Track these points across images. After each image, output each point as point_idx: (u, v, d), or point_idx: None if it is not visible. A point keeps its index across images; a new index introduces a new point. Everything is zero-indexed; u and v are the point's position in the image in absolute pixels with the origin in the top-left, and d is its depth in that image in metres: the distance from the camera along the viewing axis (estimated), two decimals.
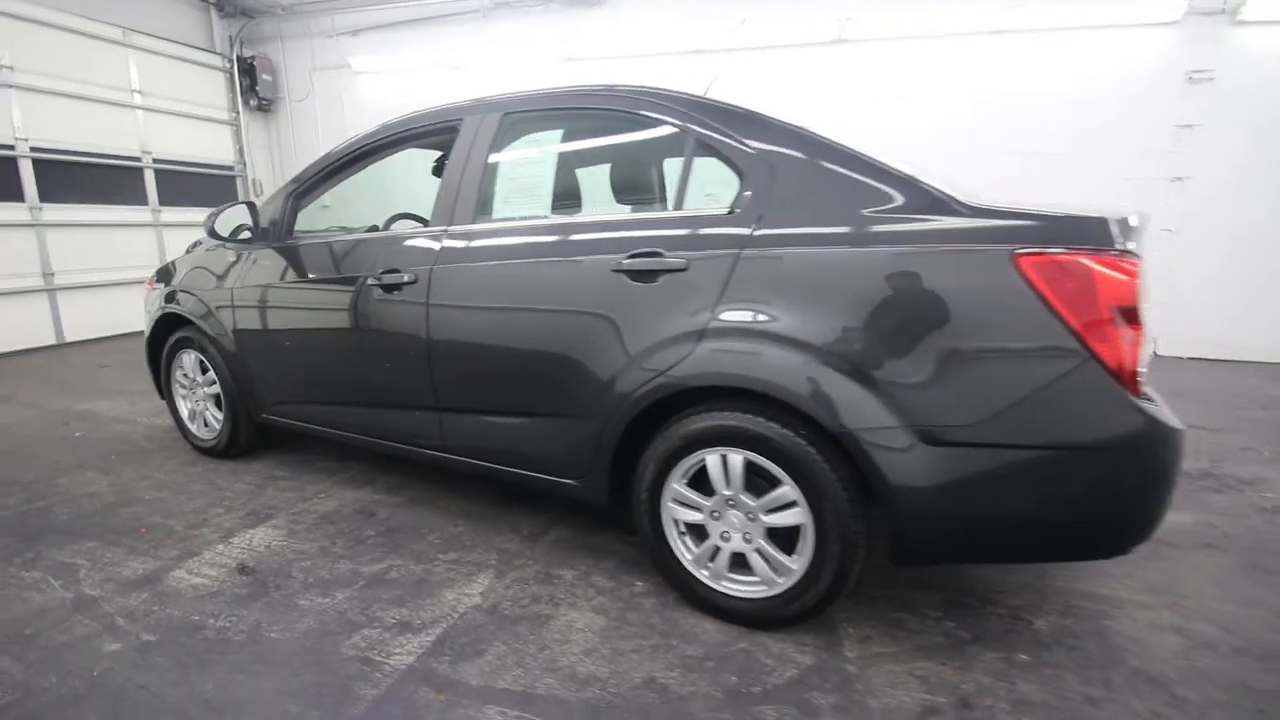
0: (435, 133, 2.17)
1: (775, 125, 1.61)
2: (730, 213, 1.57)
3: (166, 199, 6.20)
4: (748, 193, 1.57)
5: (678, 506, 1.66)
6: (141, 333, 2.97)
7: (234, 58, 6.80)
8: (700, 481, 1.62)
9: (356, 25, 6.61)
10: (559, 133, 1.93)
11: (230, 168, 6.99)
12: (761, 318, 1.48)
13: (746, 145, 1.60)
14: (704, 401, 1.59)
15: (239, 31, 6.81)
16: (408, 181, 2.97)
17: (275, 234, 2.41)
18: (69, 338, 5.44)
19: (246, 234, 2.42)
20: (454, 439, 2.07)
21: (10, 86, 4.90)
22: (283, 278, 2.36)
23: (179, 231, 6.29)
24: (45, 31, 5.13)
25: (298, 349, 2.38)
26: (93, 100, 5.48)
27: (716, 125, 1.64)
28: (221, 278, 2.54)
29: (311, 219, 2.55)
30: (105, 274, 5.65)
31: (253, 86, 6.89)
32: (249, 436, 2.75)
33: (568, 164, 2.19)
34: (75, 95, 5.34)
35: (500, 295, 1.84)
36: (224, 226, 2.38)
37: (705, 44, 5.62)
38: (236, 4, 6.65)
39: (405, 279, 1.99)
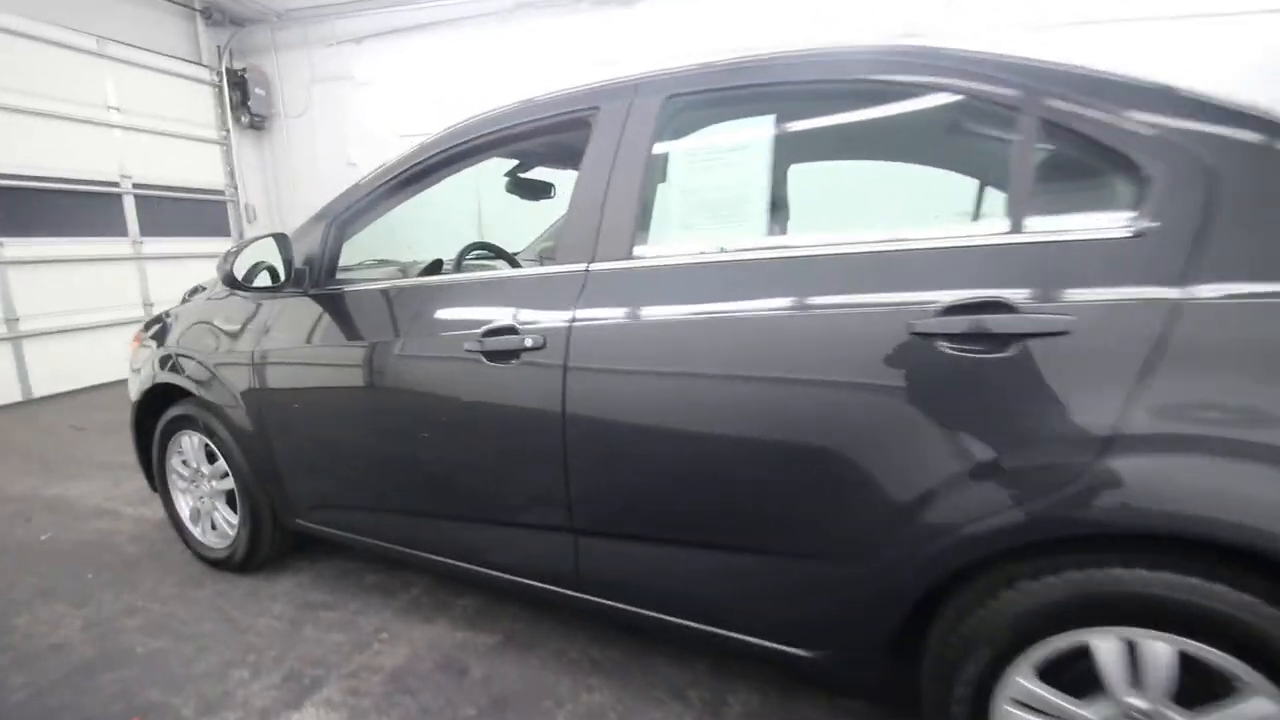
0: (546, 130, 1.53)
1: (1190, 100, 1.00)
2: (1136, 236, 0.95)
3: (149, 228, 5.48)
4: (1164, 204, 0.94)
5: (1026, 716, 1.02)
6: (124, 382, 2.30)
7: (222, 70, 6.14)
8: (1065, 673, 0.99)
9: (360, 32, 5.98)
10: (770, 119, 1.30)
11: (220, 192, 6.30)
12: (1241, 417, 0.85)
13: (1147, 127, 0.98)
14: (1065, 548, 0.96)
15: (228, 41, 6.16)
16: (449, 200, 2.33)
17: (312, 277, 1.75)
18: (37, 393, 4.70)
19: (265, 276, 1.74)
20: (597, 575, 1.41)
21: None
22: (326, 338, 1.70)
23: (164, 265, 5.57)
24: (5, 40, 4.44)
25: (350, 436, 1.71)
26: (63, 118, 4.78)
27: (1085, 99, 1.02)
28: (237, 337, 1.87)
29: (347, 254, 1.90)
30: (79, 316, 4.92)
31: (244, 102, 6.22)
32: (274, 545, 2.06)
33: (790, 165, 1.60)
34: (42, 113, 4.64)
35: (700, 362, 1.20)
36: (245, 268, 1.71)
37: (755, 41, 5.06)
38: (225, 11, 6.01)
39: (526, 343, 1.34)
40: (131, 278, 5.40)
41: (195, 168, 5.99)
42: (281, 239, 1.71)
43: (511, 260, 2.32)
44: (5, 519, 2.66)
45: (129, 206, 5.35)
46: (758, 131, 1.31)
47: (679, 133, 1.39)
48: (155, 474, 2.24)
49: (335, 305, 1.71)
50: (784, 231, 1.47)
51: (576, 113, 1.46)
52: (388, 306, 1.64)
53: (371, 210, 1.76)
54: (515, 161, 2.33)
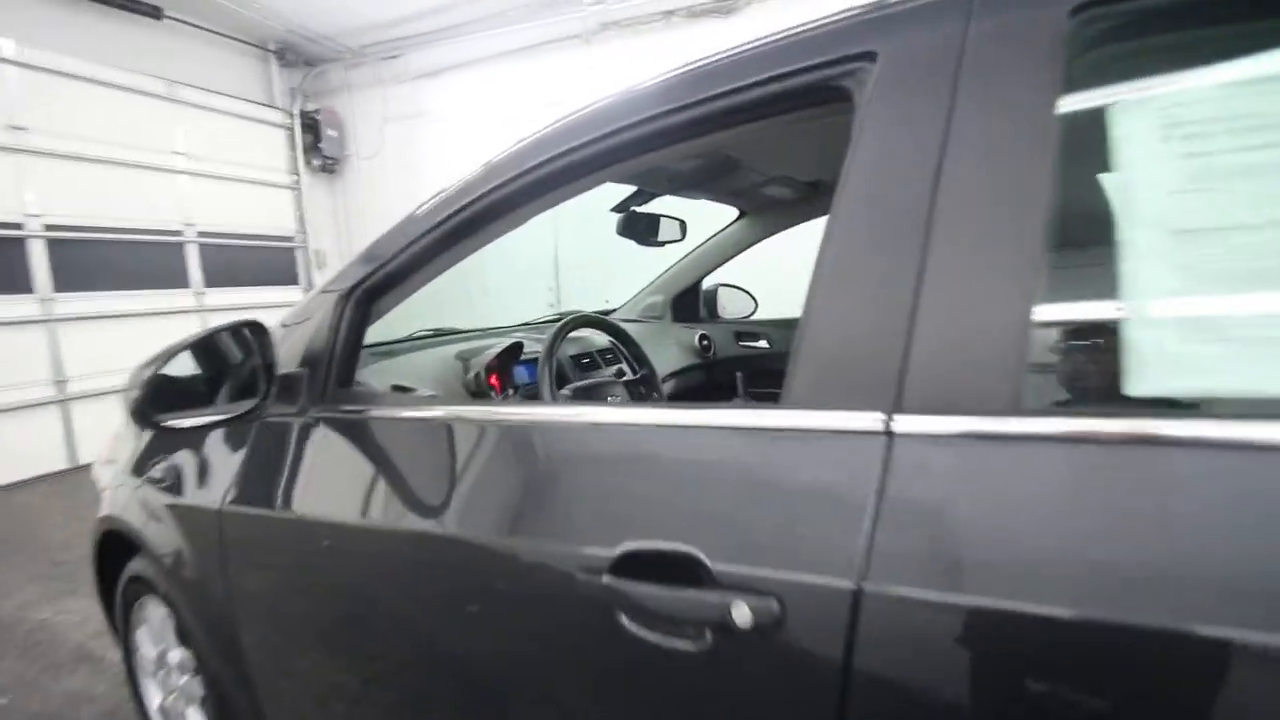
0: (725, 120, 0.75)
1: None
2: None
3: (214, 279, 5.16)
4: None
5: None
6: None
7: (296, 112, 5.87)
8: None
9: (434, 66, 5.59)
10: None
11: (290, 238, 5.99)
12: None
13: None
14: None
15: (301, 83, 5.90)
16: (518, 244, 1.62)
17: (314, 389, 1.03)
18: (84, 459, 4.32)
19: (221, 389, 1.04)
20: None
21: (23, 151, 3.93)
22: (338, 505, 0.96)
23: (228, 317, 5.22)
24: (72, 86, 4.20)
25: (372, 691, 0.96)
26: (126, 165, 4.51)
27: None
28: (202, 480, 1.17)
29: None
30: None
31: (316, 144, 5.93)
32: None
33: None
34: (104, 160, 4.37)
35: None
36: (177, 379, 1.00)
37: None
38: (299, 52, 5.76)
39: (734, 618, 0.54)
40: (193, 331, 5.05)
41: (264, 213, 5.70)
42: (256, 331, 0.99)
43: (630, 351, 1.58)
44: None
45: (192, 255, 5.03)
46: None
47: (1101, 86, 0.58)
48: (120, 644, 1.57)
49: (353, 441, 0.99)
50: None
51: (816, 72, 0.68)
52: (445, 455, 0.88)
53: (414, 271, 1.03)
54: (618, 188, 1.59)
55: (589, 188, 0.88)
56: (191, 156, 4.98)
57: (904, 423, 0.52)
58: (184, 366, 1.00)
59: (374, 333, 1.20)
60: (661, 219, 1.70)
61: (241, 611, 1.12)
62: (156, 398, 0.91)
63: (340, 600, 1.00)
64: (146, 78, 4.66)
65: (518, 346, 1.36)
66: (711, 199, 1.67)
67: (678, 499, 0.63)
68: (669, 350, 2.05)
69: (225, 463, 1.14)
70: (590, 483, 0.71)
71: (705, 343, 2.13)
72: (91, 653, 2.10)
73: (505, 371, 1.36)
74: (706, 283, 2.26)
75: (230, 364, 1.00)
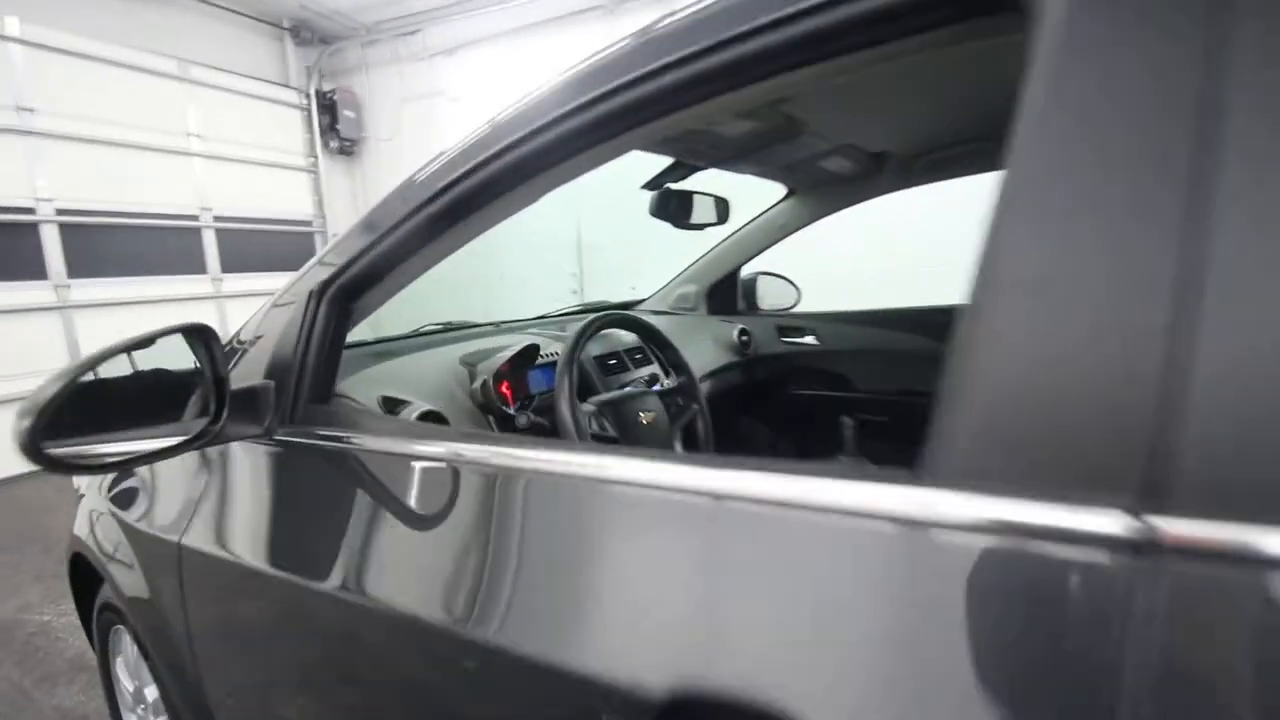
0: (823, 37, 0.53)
1: None
2: None
3: (230, 264, 5.05)
4: None
5: None
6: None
7: (312, 92, 5.71)
8: None
9: (452, 41, 5.37)
10: None
11: (308, 222, 5.86)
12: None
13: None
14: None
15: (316, 61, 5.74)
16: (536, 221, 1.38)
17: (282, 407, 0.84)
18: None
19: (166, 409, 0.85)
20: None
21: (32, 133, 3.82)
22: (303, 564, 0.77)
23: (245, 303, 5.12)
24: (80, 66, 4.07)
25: None
26: (139, 147, 4.39)
27: None
28: (162, 507, 1.00)
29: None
30: None
31: (333, 125, 5.77)
32: None
33: None
34: (115, 142, 4.25)
35: None
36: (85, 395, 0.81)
37: None
38: (315, 29, 5.58)
39: None
40: (210, 319, 4.96)
41: (281, 197, 5.57)
42: (202, 337, 0.80)
43: (666, 355, 1.37)
44: None
45: (209, 241, 4.93)
46: None
47: None
48: (101, 672, 1.43)
49: (321, 477, 0.80)
50: None
51: None
52: (430, 505, 0.68)
53: (406, 258, 0.83)
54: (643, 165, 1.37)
55: (622, 150, 0.67)
56: (206, 138, 4.84)
57: (1169, 528, 0.31)
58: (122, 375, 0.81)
59: (371, 325, 1.02)
60: (699, 197, 1.48)
61: (204, 660, 0.95)
62: (59, 423, 0.71)
63: (309, 671, 0.82)
64: (157, 57, 4.53)
65: (533, 350, 1.16)
66: (757, 173, 1.44)
67: (759, 617, 0.42)
68: (704, 346, 1.84)
69: (187, 488, 0.96)
70: (626, 576, 0.51)
71: (745, 338, 1.91)
72: (89, 662, 1.98)
73: (519, 378, 1.16)
74: (745, 270, 2.04)
75: (178, 377, 0.82)
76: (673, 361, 1.34)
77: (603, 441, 1.06)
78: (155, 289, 4.53)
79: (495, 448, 0.65)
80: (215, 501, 0.90)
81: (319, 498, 0.78)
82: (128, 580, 1.07)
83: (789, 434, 2.03)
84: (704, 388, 1.70)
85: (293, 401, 0.84)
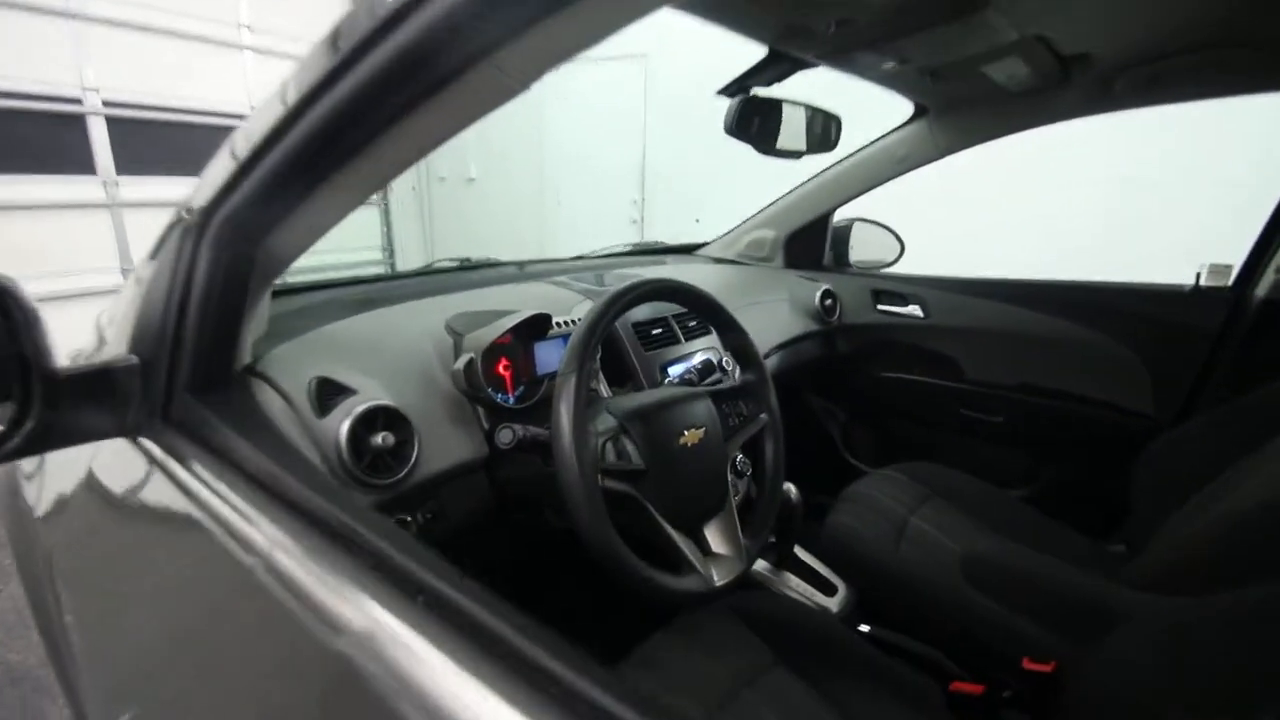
0: None
1: None
2: None
3: None
4: None
5: None
6: None
7: None
8: None
9: None
10: None
11: None
12: None
13: None
14: None
15: None
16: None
17: (155, 392, 0.56)
18: None
19: None
20: None
21: (77, 16, 3.62)
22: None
23: None
24: None
25: None
26: (186, 37, 4.16)
27: None
28: (38, 502, 0.77)
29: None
30: None
31: None
32: None
33: None
34: (162, 29, 4.02)
35: None
36: None
37: None
38: None
39: None
40: None
41: None
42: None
43: (729, 341, 1.02)
44: None
45: None
46: None
47: None
48: None
49: (173, 527, 0.52)
50: None
51: None
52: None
53: (340, 165, 0.51)
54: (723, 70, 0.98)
55: None
56: (257, 30, 4.56)
57: None
58: None
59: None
60: (792, 111, 1.08)
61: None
62: None
63: None
64: None
65: (543, 320, 0.84)
66: (883, 79, 1.03)
67: None
68: (777, 309, 1.48)
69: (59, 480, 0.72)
70: None
71: (829, 302, 1.54)
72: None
73: (523, 354, 0.86)
74: (837, 216, 1.63)
75: None
76: (737, 348, 0.96)
77: (619, 476, 0.72)
78: None
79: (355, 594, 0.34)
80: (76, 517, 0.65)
81: (151, 554, 0.51)
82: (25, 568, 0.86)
83: (868, 424, 1.67)
84: (770, 362, 1.35)
85: (167, 387, 0.56)
